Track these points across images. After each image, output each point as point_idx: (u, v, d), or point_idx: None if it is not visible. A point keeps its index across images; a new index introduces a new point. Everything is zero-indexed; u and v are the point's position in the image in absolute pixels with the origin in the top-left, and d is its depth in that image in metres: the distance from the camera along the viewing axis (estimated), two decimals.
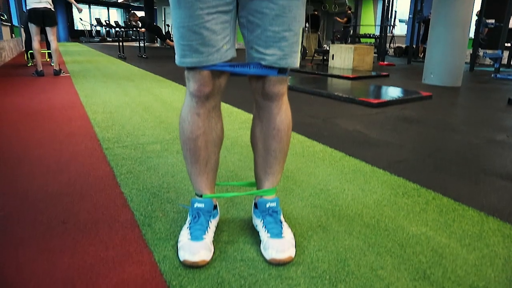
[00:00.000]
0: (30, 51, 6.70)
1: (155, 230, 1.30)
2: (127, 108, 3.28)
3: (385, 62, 9.28)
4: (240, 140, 2.37)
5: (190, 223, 1.21)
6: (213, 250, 1.17)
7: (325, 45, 11.23)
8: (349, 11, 12.83)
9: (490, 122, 3.17)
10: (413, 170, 1.96)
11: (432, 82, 5.58)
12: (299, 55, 1.07)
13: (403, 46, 13.49)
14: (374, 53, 11.30)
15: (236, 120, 2.89)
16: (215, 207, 1.27)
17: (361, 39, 14.99)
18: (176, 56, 1.06)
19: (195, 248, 1.12)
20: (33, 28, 5.25)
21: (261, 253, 1.18)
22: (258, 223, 1.27)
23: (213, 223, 1.24)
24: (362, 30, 15.91)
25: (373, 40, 14.16)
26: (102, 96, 3.84)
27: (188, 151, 1.18)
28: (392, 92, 4.39)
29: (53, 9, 5.29)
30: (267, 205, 1.25)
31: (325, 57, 8.53)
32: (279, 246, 1.14)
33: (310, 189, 1.68)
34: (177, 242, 1.21)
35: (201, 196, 1.23)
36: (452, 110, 3.71)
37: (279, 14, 1.00)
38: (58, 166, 1.89)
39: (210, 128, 1.15)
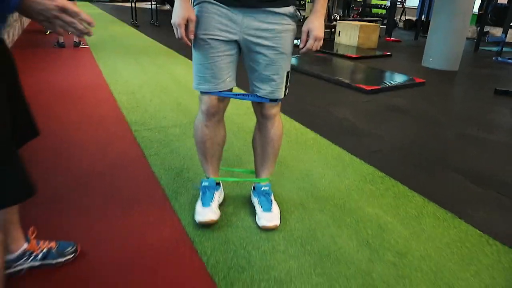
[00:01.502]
0: None
1: (180, 202, 1.79)
2: (146, 89, 3.72)
3: (392, 38, 9.45)
4: (245, 126, 2.82)
5: (201, 196, 1.71)
6: (219, 213, 1.66)
7: (336, 15, 11.29)
8: None
9: (470, 114, 3.56)
10: (384, 160, 2.41)
11: (430, 65, 5.89)
12: (283, 89, 1.51)
13: (414, 19, 13.47)
14: (384, 24, 11.41)
15: (242, 105, 3.31)
16: (217, 184, 1.76)
17: (372, 9, 14.92)
18: (193, 83, 1.50)
19: (204, 212, 1.62)
20: None
21: (255, 222, 1.67)
22: (255, 200, 1.75)
23: (217, 194, 1.72)
24: (374, 0, 15.74)
25: (384, 11, 14.09)
26: (123, 75, 4.26)
27: (199, 149, 1.66)
28: (388, 78, 4.74)
29: None
30: (262, 189, 1.73)
31: (333, 30, 8.70)
32: (268, 217, 1.64)
33: (298, 174, 2.15)
34: (194, 210, 1.70)
35: (208, 178, 1.72)
36: (440, 100, 4.08)
37: (269, 63, 1.43)
38: (98, 148, 2.37)
39: (215, 134, 1.62)
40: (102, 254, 1.45)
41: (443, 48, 5.70)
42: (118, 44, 6.44)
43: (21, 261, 1.30)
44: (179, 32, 1.34)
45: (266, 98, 1.50)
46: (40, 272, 1.33)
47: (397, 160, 2.42)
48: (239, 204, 1.81)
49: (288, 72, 1.49)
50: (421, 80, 4.65)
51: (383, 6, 14.10)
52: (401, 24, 13.84)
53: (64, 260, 1.38)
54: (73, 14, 0.83)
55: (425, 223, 1.74)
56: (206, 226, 1.60)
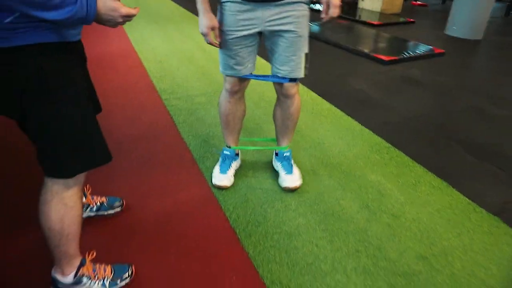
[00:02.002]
0: None
1: (206, 166, 2.07)
2: (173, 57, 3.94)
3: (418, 2, 9.19)
4: (265, 96, 3.03)
5: (220, 163, 1.98)
6: (233, 180, 1.93)
7: None
8: None
9: (485, 87, 3.63)
10: (393, 131, 2.60)
11: (453, 34, 5.82)
12: (302, 69, 1.70)
13: None
14: None
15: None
16: (237, 154, 2.03)
17: None
18: (220, 67, 1.74)
19: (221, 177, 1.90)
20: None
21: (273, 185, 1.94)
22: (278, 165, 2.01)
23: (234, 164, 1.99)
24: None
25: None
26: (150, 43, 4.48)
27: (223, 121, 1.91)
28: (407, 48, 4.78)
29: None
30: (284, 155, 2.00)
31: None
32: (291, 179, 1.91)
33: (311, 142, 2.38)
34: (211, 172, 1.97)
35: (229, 147, 1.98)
36: (457, 71, 4.14)
37: (289, 46, 1.62)
38: (133, 114, 2.65)
39: (237, 109, 1.86)
40: (143, 208, 1.76)
41: (467, 15, 5.60)
42: (144, 10, 6.58)
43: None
44: (207, 39, 1.59)
45: (285, 78, 1.71)
46: (96, 220, 1.65)
47: (405, 132, 2.61)
48: (258, 169, 2.08)
49: (306, 54, 1.68)
50: (441, 51, 4.67)
51: None
52: None
53: (114, 212, 1.70)
54: (132, 16, 1.06)
55: (421, 190, 1.97)
56: (220, 189, 1.89)
